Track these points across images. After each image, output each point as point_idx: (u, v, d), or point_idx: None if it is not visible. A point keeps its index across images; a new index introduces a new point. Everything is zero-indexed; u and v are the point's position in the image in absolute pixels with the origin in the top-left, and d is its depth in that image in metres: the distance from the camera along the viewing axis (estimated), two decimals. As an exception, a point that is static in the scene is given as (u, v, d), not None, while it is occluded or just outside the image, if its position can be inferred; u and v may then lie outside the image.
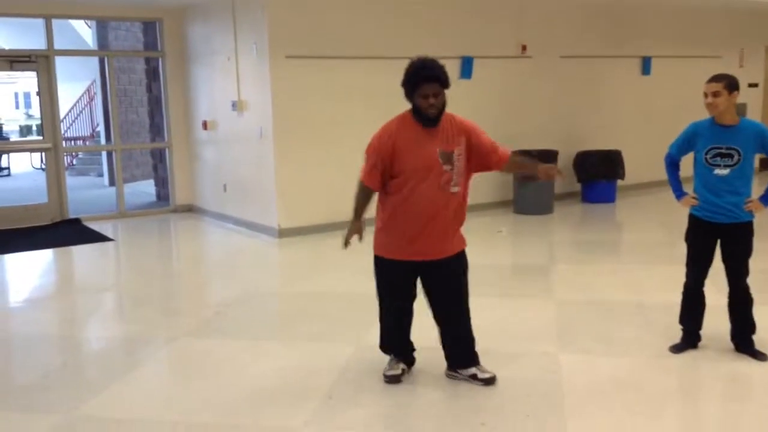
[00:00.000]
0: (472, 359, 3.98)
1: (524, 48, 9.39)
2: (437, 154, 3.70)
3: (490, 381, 3.91)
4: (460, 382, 3.96)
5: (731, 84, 3.93)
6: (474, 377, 3.94)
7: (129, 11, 9.38)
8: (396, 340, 4.05)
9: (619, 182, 9.91)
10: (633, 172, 9.78)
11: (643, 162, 9.74)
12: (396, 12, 8.37)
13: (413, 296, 3.96)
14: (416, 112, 3.71)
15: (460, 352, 3.99)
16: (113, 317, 5.76)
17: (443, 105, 3.71)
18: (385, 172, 3.74)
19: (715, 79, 3.95)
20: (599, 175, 9.71)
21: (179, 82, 9.66)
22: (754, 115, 11.94)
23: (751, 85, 12.04)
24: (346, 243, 3.84)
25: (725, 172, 4.02)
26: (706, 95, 3.97)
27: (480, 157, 3.83)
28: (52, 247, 7.99)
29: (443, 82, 3.67)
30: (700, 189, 4.14)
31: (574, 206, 9.69)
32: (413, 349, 4.10)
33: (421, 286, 3.94)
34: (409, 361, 4.09)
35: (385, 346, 4.08)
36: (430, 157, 3.70)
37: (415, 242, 3.77)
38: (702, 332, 4.38)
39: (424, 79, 3.63)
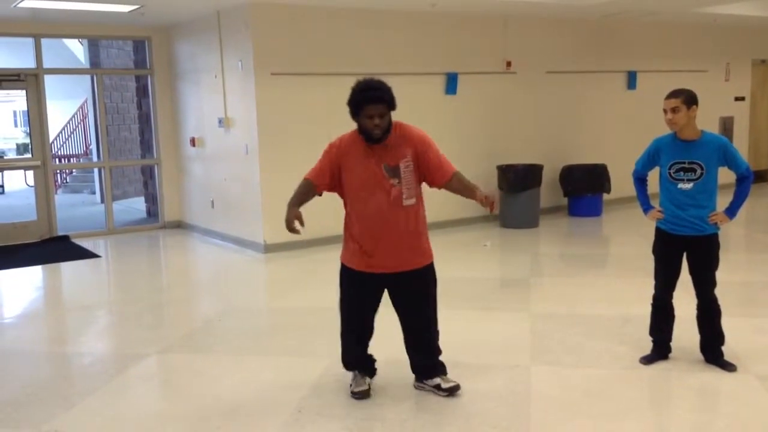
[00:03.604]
0: (436, 370, 4.02)
1: (509, 64, 9.46)
2: (382, 169, 3.76)
3: (452, 390, 3.95)
4: (428, 395, 4.00)
5: (689, 98, 3.98)
6: (438, 387, 3.98)
7: (117, 30, 9.47)
8: (357, 356, 4.07)
9: (606, 196, 9.97)
10: (619, 185, 9.79)
11: (629, 176, 9.59)
12: (380, 28, 8.45)
13: (373, 312, 3.97)
14: (362, 131, 3.78)
15: (423, 363, 4.04)
16: (95, 333, 5.78)
17: (388, 125, 3.75)
18: (334, 177, 3.85)
19: (674, 94, 4.00)
20: (585, 189, 9.77)
21: (168, 100, 9.76)
22: (740, 128, 12.04)
23: (737, 99, 12.12)
24: (290, 229, 3.76)
25: (689, 186, 4.08)
26: (665, 111, 4.03)
27: (423, 171, 3.83)
28: (39, 263, 8.04)
29: (389, 103, 3.71)
30: (666, 203, 4.20)
31: (561, 220, 9.73)
32: (374, 360, 4.13)
33: (389, 297, 3.98)
34: (370, 371, 4.11)
35: (346, 363, 4.11)
36: (375, 173, 3.76)
37: (373, 256, 3.83)
38: (672, 344, 4.42)
39: (368, 100, 3.67)
